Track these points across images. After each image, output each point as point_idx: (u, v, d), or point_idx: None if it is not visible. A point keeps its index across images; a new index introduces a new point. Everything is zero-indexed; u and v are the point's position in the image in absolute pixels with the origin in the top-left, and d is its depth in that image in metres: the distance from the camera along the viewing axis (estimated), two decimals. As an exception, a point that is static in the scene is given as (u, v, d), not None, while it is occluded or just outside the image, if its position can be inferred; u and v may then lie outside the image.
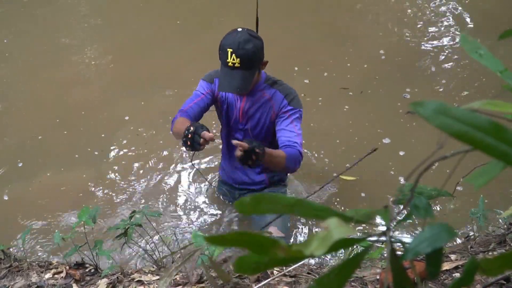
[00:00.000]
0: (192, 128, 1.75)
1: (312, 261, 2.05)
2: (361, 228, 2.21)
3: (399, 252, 0.54)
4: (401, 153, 3.18)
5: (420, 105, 0.41)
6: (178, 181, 3.00)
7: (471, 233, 2.21)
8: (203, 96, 2.15)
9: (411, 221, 2.43)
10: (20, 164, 3.20)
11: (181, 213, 2.78)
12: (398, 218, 0.58)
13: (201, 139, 1.72)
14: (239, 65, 1.91)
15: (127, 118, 3.56)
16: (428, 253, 0.52)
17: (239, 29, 1.95)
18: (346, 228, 0.46)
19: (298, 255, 0.46)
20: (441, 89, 3.80)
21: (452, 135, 0.40)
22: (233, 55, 1.90)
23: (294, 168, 2.07)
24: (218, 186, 2.71)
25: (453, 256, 1.88)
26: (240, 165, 2.00)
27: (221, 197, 2.70)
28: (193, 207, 2.81)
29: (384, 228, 0.54)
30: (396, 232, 2.47)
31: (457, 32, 4.52)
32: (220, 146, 2.52)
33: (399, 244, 0.56)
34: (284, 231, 2.32)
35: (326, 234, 0.45)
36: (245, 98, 2.15)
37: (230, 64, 1.92)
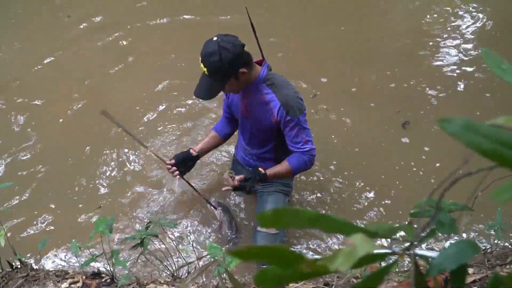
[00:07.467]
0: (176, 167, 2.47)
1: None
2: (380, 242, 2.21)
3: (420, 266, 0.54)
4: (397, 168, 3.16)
5: (447, 122, 0.41)
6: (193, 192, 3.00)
7: (488, 246, 2.18)
8: (224, 106, 2.52)
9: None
10: (39, 173, 3.23)
11: (197, 223, 2.78)
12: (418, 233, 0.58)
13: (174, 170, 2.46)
14: (207, 73, 2.01)
15: (142, 128, 3.59)
16: (453, 269, 0.51)
17: (214, 38, 1.97)
18: (371, 244, 0.46)
19: (323, 270, 0.46)
20: (460, 103, 3.76)
21: (480, 152, 0.40)
22: (201, 64, 2.00)
23: (306, 170, 2.34)
24: (232, 163, 2.87)
25: (470, 270, 1.85)
26: (249, 153, 2.51)
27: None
28: (209, 217, 2.81)
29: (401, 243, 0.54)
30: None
31: (472, 45, 4.49)
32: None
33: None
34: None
35: (351, 249, 0.45)
36: (246, 96, 2.22)
37: (202, 69, 2.02)
